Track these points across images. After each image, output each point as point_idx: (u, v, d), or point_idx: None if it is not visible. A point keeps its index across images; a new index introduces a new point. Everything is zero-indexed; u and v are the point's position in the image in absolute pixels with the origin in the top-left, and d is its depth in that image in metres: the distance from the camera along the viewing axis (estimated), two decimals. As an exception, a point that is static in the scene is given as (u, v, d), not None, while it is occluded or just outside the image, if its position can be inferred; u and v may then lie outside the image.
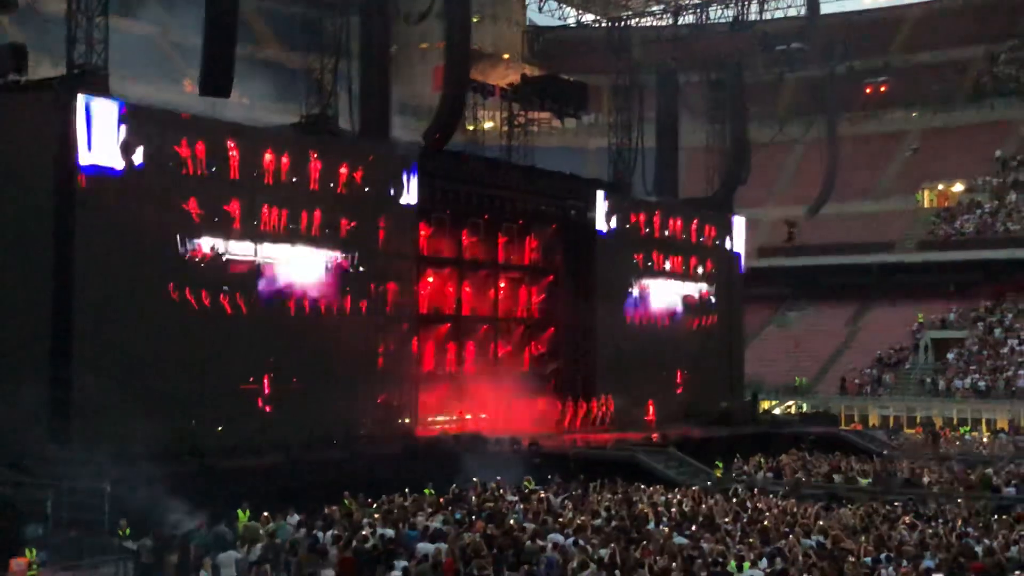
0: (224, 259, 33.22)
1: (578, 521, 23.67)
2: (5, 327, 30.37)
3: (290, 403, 34.72)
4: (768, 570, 18.22)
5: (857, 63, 79.67)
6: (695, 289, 54.54)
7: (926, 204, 73.63)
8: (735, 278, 57.80)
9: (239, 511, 24.83)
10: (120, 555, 23.50)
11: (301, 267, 35.53)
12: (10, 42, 36.27)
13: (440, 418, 41.59)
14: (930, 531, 22.85)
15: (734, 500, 28.26)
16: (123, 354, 30.26)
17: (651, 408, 47.37)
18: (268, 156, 34.48)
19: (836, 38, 78.26)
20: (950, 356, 60.50)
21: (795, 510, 26.02)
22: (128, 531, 23.56)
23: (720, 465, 37.80)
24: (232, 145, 33.40)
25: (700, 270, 54.97)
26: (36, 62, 35.81)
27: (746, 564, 18.75)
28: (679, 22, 64.48)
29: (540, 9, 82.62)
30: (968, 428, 54.66)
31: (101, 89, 30.75)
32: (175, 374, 31.57)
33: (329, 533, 22.32)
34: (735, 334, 57.67)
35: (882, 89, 79.98)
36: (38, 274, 29.95)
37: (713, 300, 55.82)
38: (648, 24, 64.84)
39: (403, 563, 19.33)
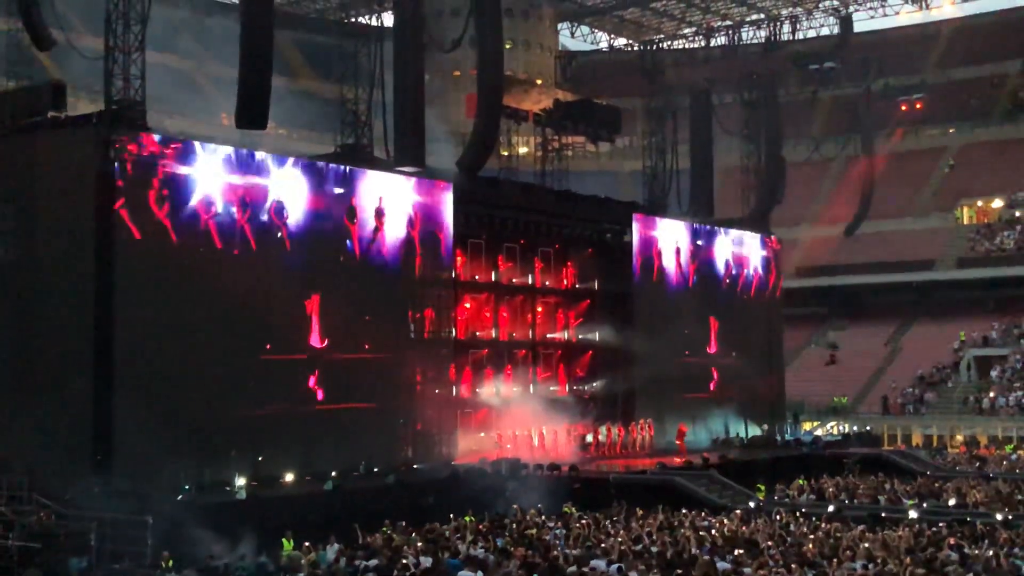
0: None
1: (620, 547, 23.54)
2: (48, 361, 30.70)
3: (331, 431, 34.92)
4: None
5: (892, 80, 79.31)
6: (732, 311, 54.33)
7: (965, 221, 73.02)
8: (774, 299, 57.53)
9: (283, 540, 24.90)
10: (164, 587, 23.64)
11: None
12: (50, 80, 36.84)
13: (479, 444, 41.51)
14: (977, 552, 22.53)
15: (776, 523, 28.00)
16: (165, 386, 30.55)
17: (683, 432, 46.93)
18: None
19: (870, 56, 78.05)
20: (993, 374, 59.85)
21: (839, 533, 25.75)
22: (171, 563, 23.66)
23: (762, 488, 37.48)
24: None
25: (737, 291, 54.76)
26: (75, 98, 36.33)
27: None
28: (711, 43, 64.47)
29: (572, 34, 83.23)
30: (1013, 446, 53.98)
31: (139, 124, 31.12)
32: (217, 404, 31.82)
33: (372, 562, 22.30)
34: (774, 355, 57.33)
35: (918, 106, 79.49)
36: (80, 308, 30.25)
37: (751, 321, 55.59)
38: (680, 47, 64.91)
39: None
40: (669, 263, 50.41)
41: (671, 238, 50.74)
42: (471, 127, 43.38)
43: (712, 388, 52.34)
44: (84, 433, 29.76)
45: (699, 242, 52.41)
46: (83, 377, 29.87)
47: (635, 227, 48.41)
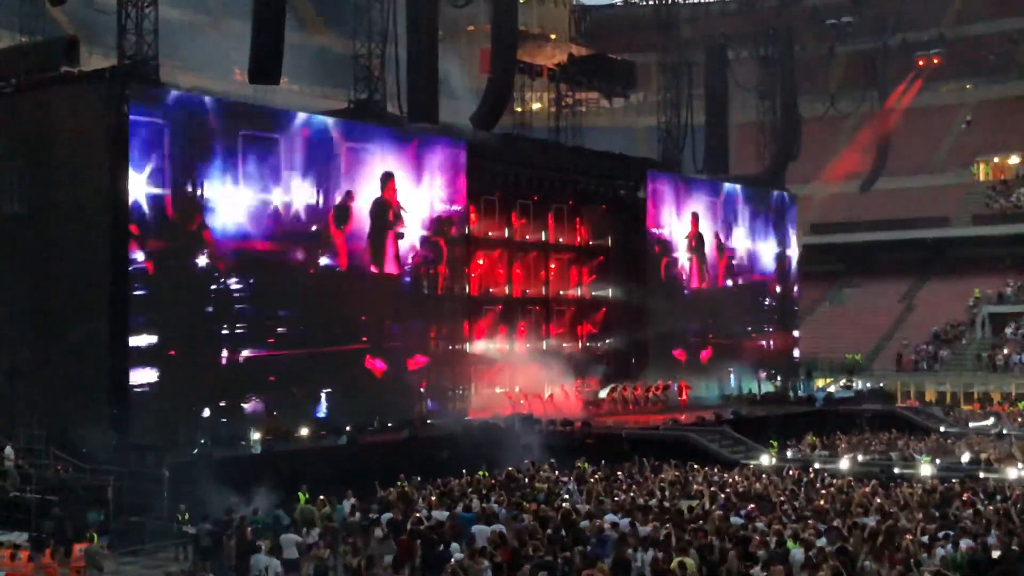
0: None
1: (633, 502, 23.66)
2: (63, 316, 30.84)
3: (345, 387, 35.13)
4: (826, 548, 18.08)
5: (909, 35, 78.51)
6: (749, 269, 54.33)
7: (981, 177, 72.56)
8: (788, 255, 57.44)
9: (299, 494, 25.08)
10: (180, 540, 23.87)
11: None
12: (63, 35, 36.74)
13: (492, 400, 41.65)
14: (990, 508, 22.57)
15: (789, 479, 28.10)
16: (180, 341, 30.70)
17: (684, 389, 46.97)
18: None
19: (887, 11, 77.22)
20: (1008, 331, 59.69)
21: (851, 488, 25.82)
22: (187, 516, 23.90)
23: (775, 444, 37.57)
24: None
25: (753, 249, 54.69)
26: (88, 53, 36.22)
27: (800, 542, 18.63)
28: (727, -2, 63.98)
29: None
30: (1027, 403, 53.94)
31: (152, 80, 31.07)
32: (231, 360, 32.03)
33: (386, 516, 22.47)
34: (788, 312, 57.37)
35: (935, 61, 78.71)
36: (95, 261, 30.38)
37: (767, 279, 55.61)
38: (696, 1, 64.30)
39: (459, 545, 19.41)
40: (684, 222, 50.33)
41: (686, 197, 50.64)
42: (485, 83, 43.17)
43: (726, 343, 52.39)
44: (101, 387, 29.98)
45: (713, 201, 52.30)
46: (99, 333, 30.02)
47: (649, 184, 48.24)
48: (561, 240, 47.14)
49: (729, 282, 52.99)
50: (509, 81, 43.33)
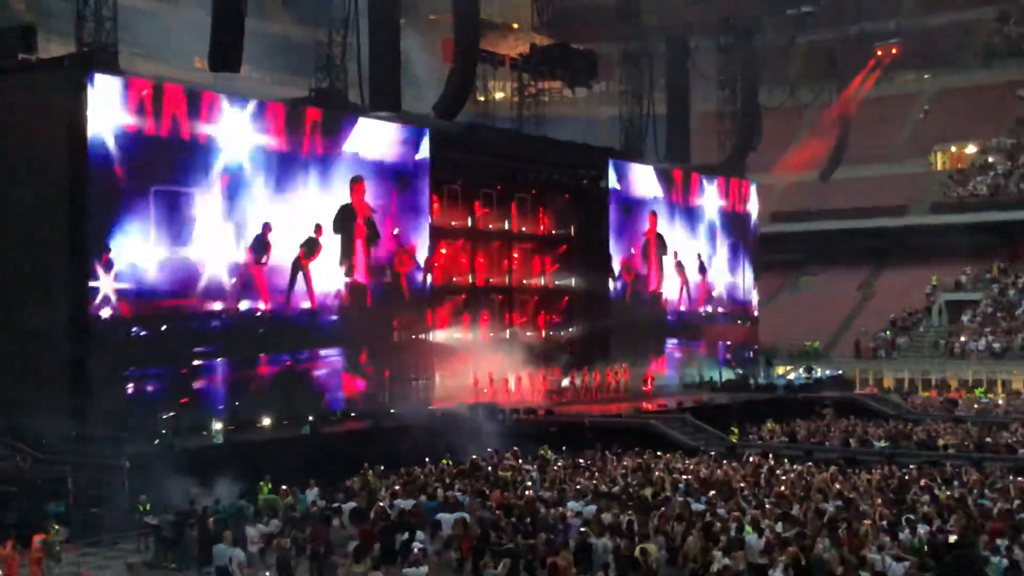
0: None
1: (596, 489, 23.80)
2: (23, 305, 30.52)
3: (306, 376, 35.05)
4: (785, 534, 18.30)
5: (868, 26, 79.02)
6: (709, 257, 54.70)
7: (939, 166, 73.23)
8: (748, 244, 57.89)
9: (261, 484, 25.03)
10: (141, 530, 23.78)
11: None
12: (21, 22, 36.36)
13: (456, 389, 41.68)
14: (947, 493, 22.88)
15: (750, 465, 28.34)
16: (140, 328, 30.50)
17: (650, 379, 47.20)
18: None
19: (847, 1, 77.72)
20: (964, 318, 60.35)
21: (811, 475, 26.08)
22: (148, 507, 23.82)
23: (736, 431, 37.87)
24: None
25: (714, 237, 55.06)
26: (46, 40, 35.85)
27: (761, 528, 18.84)
28: (689, -13, 64.17)
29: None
30: (983, 390, 54.58)
31: (111, 67, 30.80)
32: (190, 348, 31.87)
33: (349, 505, 22.49)
34: (748, 300, 57.86)
35: (893, 51, 79.27)
36: (55, 248, 30.09)
37: (727, 266, 56.04)
38: (658, -10, 64.36)
39: (423, 534, 19.48)
40: (645, 208, 50.61)
41: (648, 185, 50.86)
42: (448, 72, 43.11)
43: (686, 332, 52.84)
44: (60, 376, 29.74)
45: (674, 190, 52.58)
46: (58, 319, 29.76)
47: (611, 173, 48.42)
48: (524, 229, 47.19)
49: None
50: (472, 70, 43.31)
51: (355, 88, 38.72)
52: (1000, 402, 50.46)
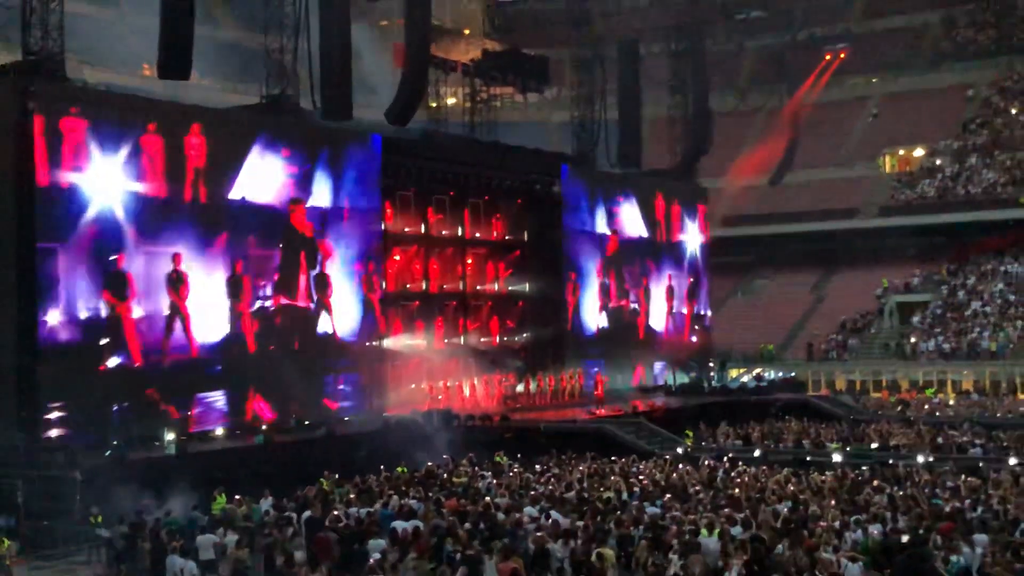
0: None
1: (551, 494, 23.80)
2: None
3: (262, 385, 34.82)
4: (740, 536, 18.37)
5: (817, 30, 79.82)
6: (660, 261, 54.99)
7: (888, 169, 73.91)
8: (700, 248, 58.23)
9: (216, 495, 24.81)
10: (93, 543, 23.48)
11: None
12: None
13: (410, 396, 41.55)
14: (900, 493, 23.09)
15: (704, 469, 28.45)
16: (90, 341, 30.15)
17: (600, 383, 47.20)
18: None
19: (795, 5, 78.48)
20: (915, 320, 60.98)
21: (765, 477, 26.23)
22: (100, 519, 23.53)
23: (690, 434, 38.02)
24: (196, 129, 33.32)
25: (664, 241, 55.35)
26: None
27: (717, 531, 18.90)
28: (639, -7, 64.53)
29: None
30: (934, 390, 55.15)
31: (57, 75, 30.45)
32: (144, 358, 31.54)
33: (304, 514, 22.34)
34: (701, 304, 58.22)
35: (842, 56, 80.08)
36: (2, 261, 29.67)
37: (677, 271, 56.35)
38: (608, -4, 64.76)
39: (378, 542, 19.38)
40: (596, 215, 50.82)
41: (599, 191, 51.07)
42: (399, 78, 42.99)
43: (641, 336, 53.05)
44: (8, 388, 29.33)
45: (625, 195, 52.83)
46: (7, 332, 29.37)
47: (564, 178, 48.55)
48: (478, 235, 47.16)
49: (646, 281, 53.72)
50: (423, 76, 43.23)
51: (307, 95, 38.49)
52: (951, 402, 50.99)
